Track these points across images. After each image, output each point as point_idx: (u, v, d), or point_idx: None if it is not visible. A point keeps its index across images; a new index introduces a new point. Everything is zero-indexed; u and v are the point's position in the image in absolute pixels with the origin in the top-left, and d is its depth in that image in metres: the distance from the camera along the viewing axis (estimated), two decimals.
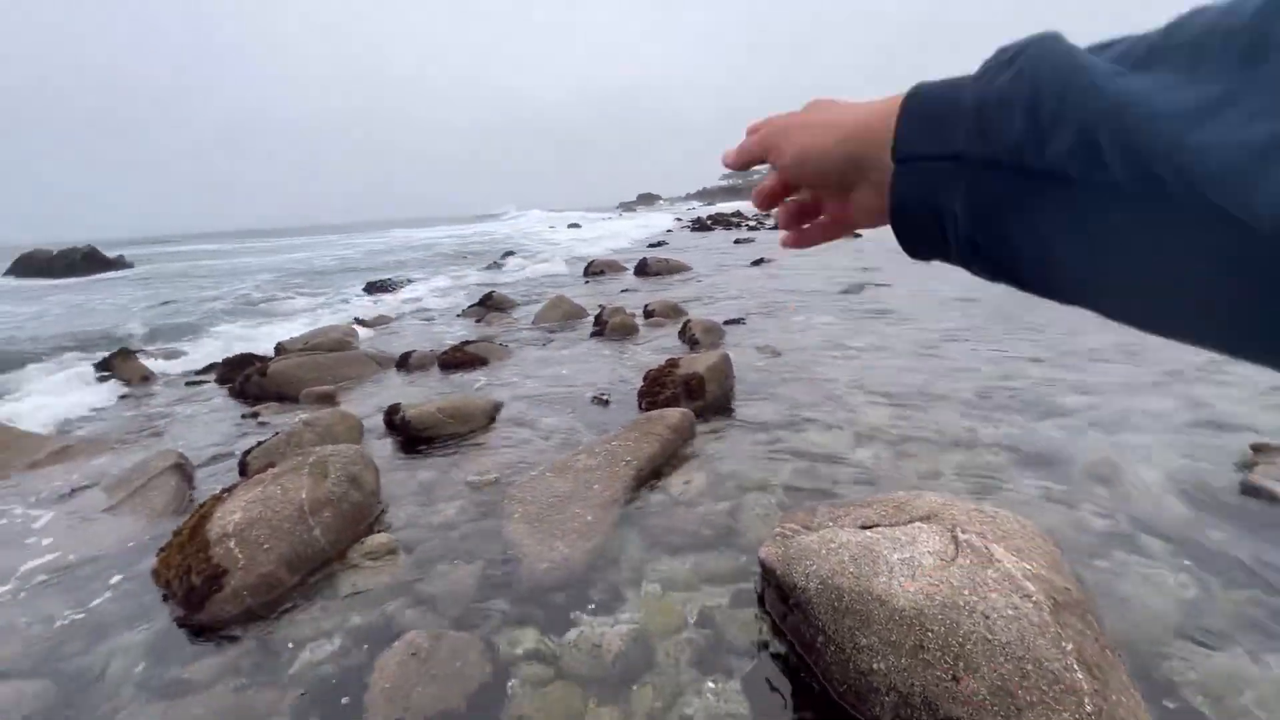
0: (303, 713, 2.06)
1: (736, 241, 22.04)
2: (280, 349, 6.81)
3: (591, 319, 8.32)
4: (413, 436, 4.32)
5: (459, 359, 6.40)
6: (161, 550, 2.75)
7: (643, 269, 14.01)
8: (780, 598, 2.15)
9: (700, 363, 4.91)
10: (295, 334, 8.20)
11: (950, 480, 3.35)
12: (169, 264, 31.36)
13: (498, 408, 4.82)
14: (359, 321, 9.11)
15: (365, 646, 2.34)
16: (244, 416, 5.19)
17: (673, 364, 5.01)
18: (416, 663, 2.17)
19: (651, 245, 22.94)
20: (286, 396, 5.61)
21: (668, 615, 2.43)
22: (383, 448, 4.20)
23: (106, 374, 6.53)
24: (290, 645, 2.36)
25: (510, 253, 21.85)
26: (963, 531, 1.89)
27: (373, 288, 13.45)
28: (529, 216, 75.84)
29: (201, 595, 2.44)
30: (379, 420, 4.67)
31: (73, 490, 3.74)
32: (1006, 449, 3.68)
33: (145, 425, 5.18)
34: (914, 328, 6.87)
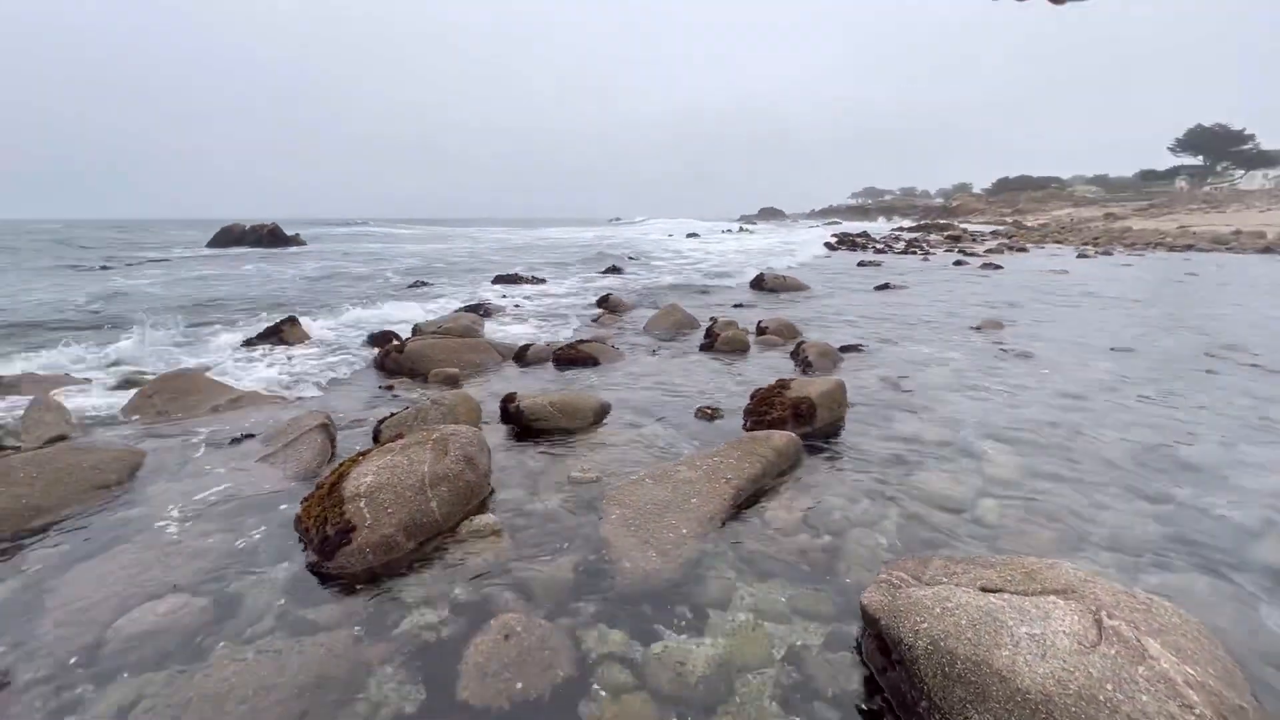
0: (405, 669, 2.22)
1: (861, 264, 21.08)
2: (417, 330, 7.43)
3: (703, 331, 8.30)
4: (525, 426, 4.53)
5: (573, 356, 6.64)
6: (304, 500, 3.09)
7: (759, 284, 13.79)
8: (881, 650, 2.02)
9: (813, 387, 4.74)
10: (432, 317, 8.92)
11: (1093, 552, 2.97)
12: (336, 244, 35.30)
13: (606, 408, 4.94)
14: (485, 312, 9.73)
15: (464, 619, 2.49)
16: (381, 388, 5.72)
17: (783, 385, 4.88)
18: (508, 645, 2.27)
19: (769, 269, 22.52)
20: (418, 373, 6.11)
21: (756, 646, 2.36)
22: (496, 433, 4.45)
23: (277, 337, 7.47)
24: (401, 606, 2.55)
25: (632, 257, 22.39)
26: (1109, 616, 1.66)
27: (501, 279, 14.33)
28: (651, 225, 77.32)
29: (333, 546, 2.72)
30: (496, 406, 4.96)
31: (242, 436, 4.31)
32: (1164, 523, 3.21)
33: (302, 385, 5.86)
34: (1058, 375, 6.19)
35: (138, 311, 10.50)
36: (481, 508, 3.33)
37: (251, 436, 4.35)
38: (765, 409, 4.63)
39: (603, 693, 2.15)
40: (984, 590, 2.03)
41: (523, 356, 6.78)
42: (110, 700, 2.05)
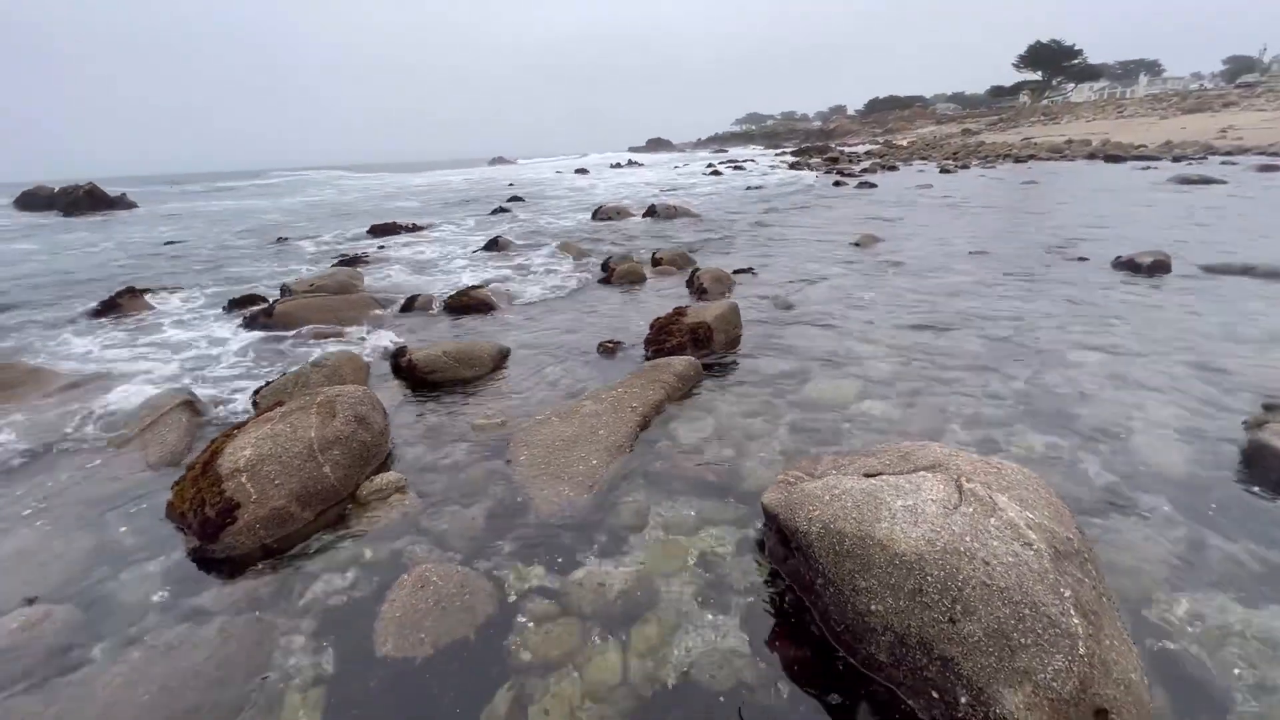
0: (317, 638, 2.13)
1: (749, 188, 21.53)
2: (286, 290, 6.78)
3: (599, 265, 8.21)
4: (420, 379, 4.33)
5: (465, 303, 6.37)
6: (176, 484, 2.81)
7: (651, 213, 13.75)
8: (781, 542, 2.18)
9: (708, 311, 4.86)
10: (301, 275, 8.15)
11: (957, 433, 3.35)
12: (170, 203, 30.95)
13: (505, 353, 4.81)
14: (364, 264, 9.03)
15: (376, 579, 2.41)
16: (252, 353, 5.21)
17: (680, 312, 4.97)
18: (426, 594, 2.23)
19: (665, 190, 22.44)
20: (292, 330, 5.62)
21: (671, 558, 2.48)
22: (390, 390, 4.23)
23: (114, 311, 6.54)
24: (303, 577, 2.43)
25: (518, 198, 21.45)
26: (967, 481, 1.89)
27: (378, 230, 13.28)
28: (537, 164, 74.22)
29: (216, 527, 2.51)
30: (385, 363, 4.69)
31: (85, 424, 3.80)
32: (1014, 403, 3.67)
33: (152, 361, 5.21)
34: (927, 281, 6.75)
35: None
36: (383, 467, 3.19)
37: (101, 421, 3.85)
38: (665, 337, 4.71)
39: (529, 624, 2.19)
40: (866, 476, 2.23)
41: (410, 308, 6.41)
42: None
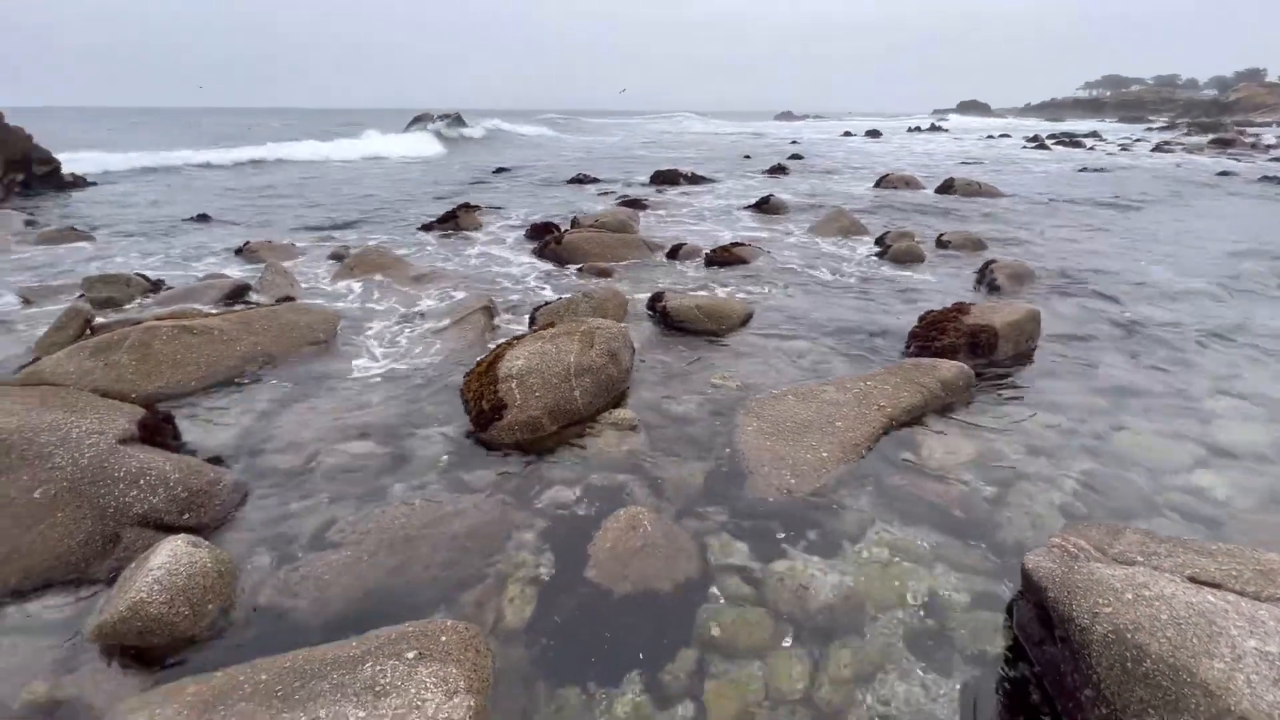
0: (543, 538, 2.40)
1: (1082, 170, 17.51)
2: (575, 223, 7.59)
3: (872, 240, 7.52)
4: (670, 325, 4.50)
5: (724, 258, 6.40)
6: (467, 374, 3.38)
7: (947, 188, 12.07)
8: (1041, 621, 1.77)
9: (998, 314, 4.11)
10: (588, 210, 9.04)
11: None
12: (499, 138, 36.79)
13: (751, 315, 4.73)
14: (642, 207, 9.62)
15: (596, 506, 2.61)
16: (541, 275, 5.98)
17: (961, 309, 4.29)
18: (636, 536, 2.35)
19: (964, 163, 19.53)
20: (573, 264, 6.29)
21: (888, 585, 2.21)
22: (641, 330, 4.47)
23: (451, 221, 8.06)
24: (542, 481, 2.74)
25: (798, 157, 20.68)
26: None
27: (659, 177, 14.03)
28: (824, 123, 70.45)
29: (488, 419, 2.96)
30: (644, 302, 4.98)
31: (418, 310, 4.79)
32: None
33: (470, 266, 6.32)
34: None
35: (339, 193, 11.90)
36: (620, 401, 3.41)
37: (424, 313, 4.82)
38: (935, 334, 4.12)
39: (721, 599, 2.16)
40: (1196, 582, 1.67)
41: (675, 254, 6.66)
42: (314, 519, 2.48)
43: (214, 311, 4.43)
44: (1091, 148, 27.45)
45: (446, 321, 4.43)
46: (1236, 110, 65.11)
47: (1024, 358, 4.08)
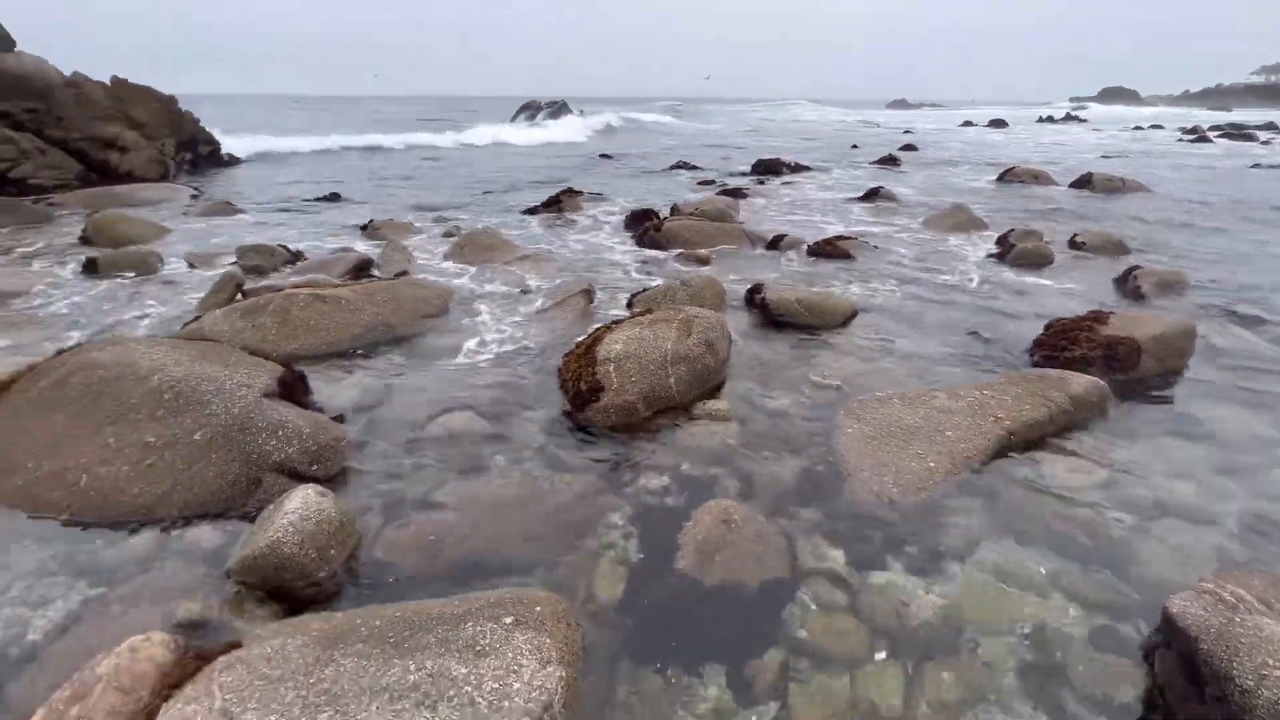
0: (634, 521, 2.43)
1: (1255, 166, 15.26)
2: (675, 210, 7.57)
3: (994, 239, 6.96)
4: (769, 318, 4.40)
5: (828, 250, 6.15)
6: (566, 355, 3.47)
7: (1084, 184, 10.93)
8: (1188, 675, 1.58)
9: (1141, 326, 3.68)
10: (688, 199, 8.99)
11: None
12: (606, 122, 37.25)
13: (855, 312, 4.52)
14: (741, 196, 9.44)
15: (686, 495, 2.61)
16: (639, 261, 6.03)
17: (1098, 317, 3.88)
18: (725, 530, 2.32)
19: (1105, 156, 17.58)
20: (671, 250, 6.29)
21: (996, 610, 2.05)
22: (738, 320, 4.40)
23: (555, 206, 8.29)
24: (634, 467, 2.77)
25: (911, 148, 19.48)
26: None
27: (761, 166, 13.69)
28: (941, 113, 65.91)
29: (584, 400, 3.02)
30: (741, 293, 4.89)
31: (523, 290, 4.97)
32: None
33: (571, 249, 6.48)
34: None
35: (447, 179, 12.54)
36: (715, 392, 3.38)
37: (529, 291, 4.99)
38: (1066, 344, 3.76)
39: (812, 605, 2.10)
40: None
41: (776, 244, 6.49)
42: (422, 483, 2.64)
43: (342, 283, 4.82)
44: (1267, 141, 23.89)
45: (548, 303, 4.57)
46: None
47: (1171, 377, 3.64)
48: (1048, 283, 5.48)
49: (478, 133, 21.96)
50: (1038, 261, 6.02)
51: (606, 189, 11.03)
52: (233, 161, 14.37)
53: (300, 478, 2.47)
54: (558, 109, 38.11)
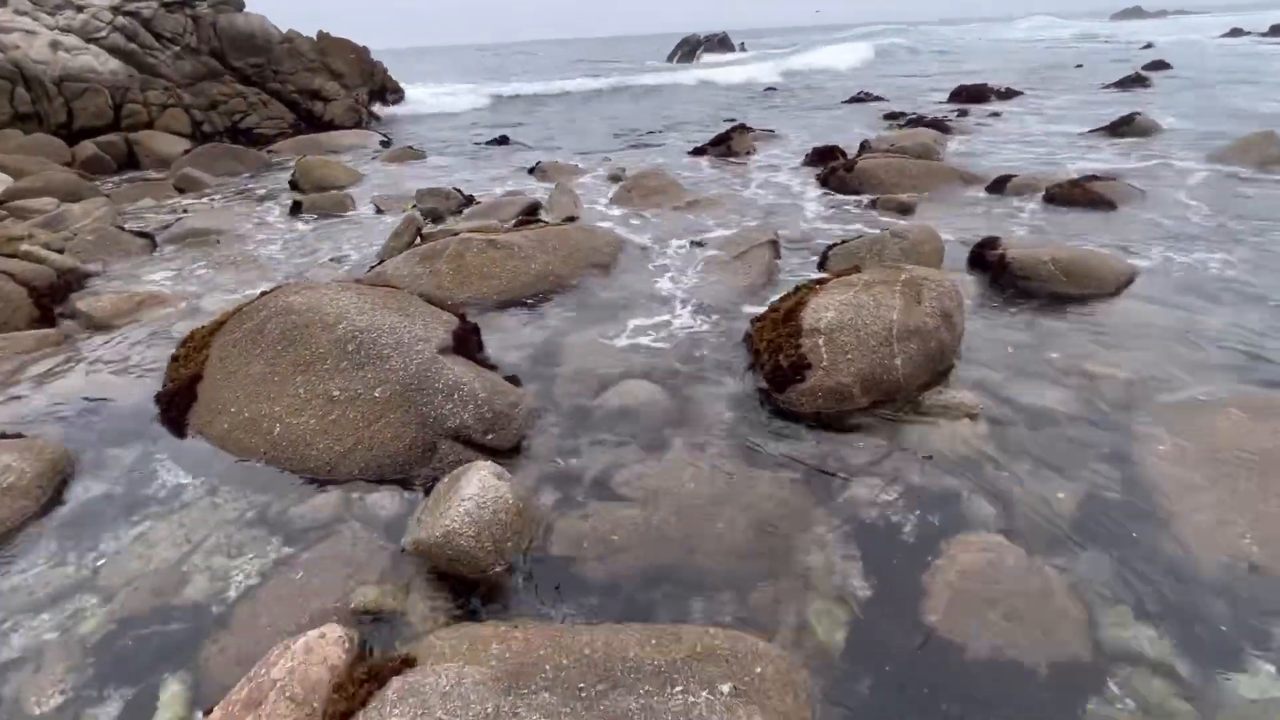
0: (854, 544, 1.91)
1: None
2: (865, 146, 6.53)
3: None
4: (1010, 282, 3.50)
5: (1076, 195, 4.88)
6: (757, 321, 2.95)
7: None
8: None
9: None
10: (881, 134, 7.79)
11: None
12: (778, 49, 34.72)
13: (1133, 277, 3.45)
14: (945, 129, 7.99)
15: (924, 518, 2.02)
16: (827, 206, 5.23)
17: None
18: (993, 577, 1.72)
19: None
20: (865, 194, 5.40)
21: None
22: (965, 285, 3.53)
23: (724, 144, 7.58)
24: (847, 468, 2.23)
25: (1162, 64, 15.57)
26: None
27: (963, 94, 11.64)
28: (1191, 19, 52.77)
29: (785, 379, 2.50)
30: (962, 251, 3.98)
31: (699, 240, 4.47)
32: None
33: (746, 192, 5.82)
34: None
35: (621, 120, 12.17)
36: (945, 377, 2.67)
37: (702, 243, 4.48)
38: None
39: (1127, 700, 1.47)
40: None
41: (1000, 188, 5.30)
42: (600, 461, 2.32)
43: (512, 228, 4.66)
44: None
45: (727, 255, 4.03)
46: None
47: None
48: None
49: (641, 75, 21.35)
50: None
51: (778, 125, 10.01)
52: (414, 108, 15.24)
53: (475, 446, 2.26)
54: (717, 42, 36.09)
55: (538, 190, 6.25)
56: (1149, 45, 23.92)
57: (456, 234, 4.09)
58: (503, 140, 9.48)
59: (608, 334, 3.20)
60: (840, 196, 5.49)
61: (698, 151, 7.70)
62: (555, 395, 2.73)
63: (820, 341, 2.51)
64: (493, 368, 2.86)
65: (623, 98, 15.79)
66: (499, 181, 6.81)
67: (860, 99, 12.56)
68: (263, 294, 2.97)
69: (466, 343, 2.85)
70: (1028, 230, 4.43)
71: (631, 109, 13.87)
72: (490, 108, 14.86)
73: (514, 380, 2.75)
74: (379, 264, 4.05)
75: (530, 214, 5.28)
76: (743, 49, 36.03)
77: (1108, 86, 12.37)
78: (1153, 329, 3.00)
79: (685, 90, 16.27)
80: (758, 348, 2.78)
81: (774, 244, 4.02)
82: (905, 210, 4.93)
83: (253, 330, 2.68)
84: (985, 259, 3.66)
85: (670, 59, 35.97)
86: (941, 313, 2.64)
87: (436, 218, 5.39)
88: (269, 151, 9.51)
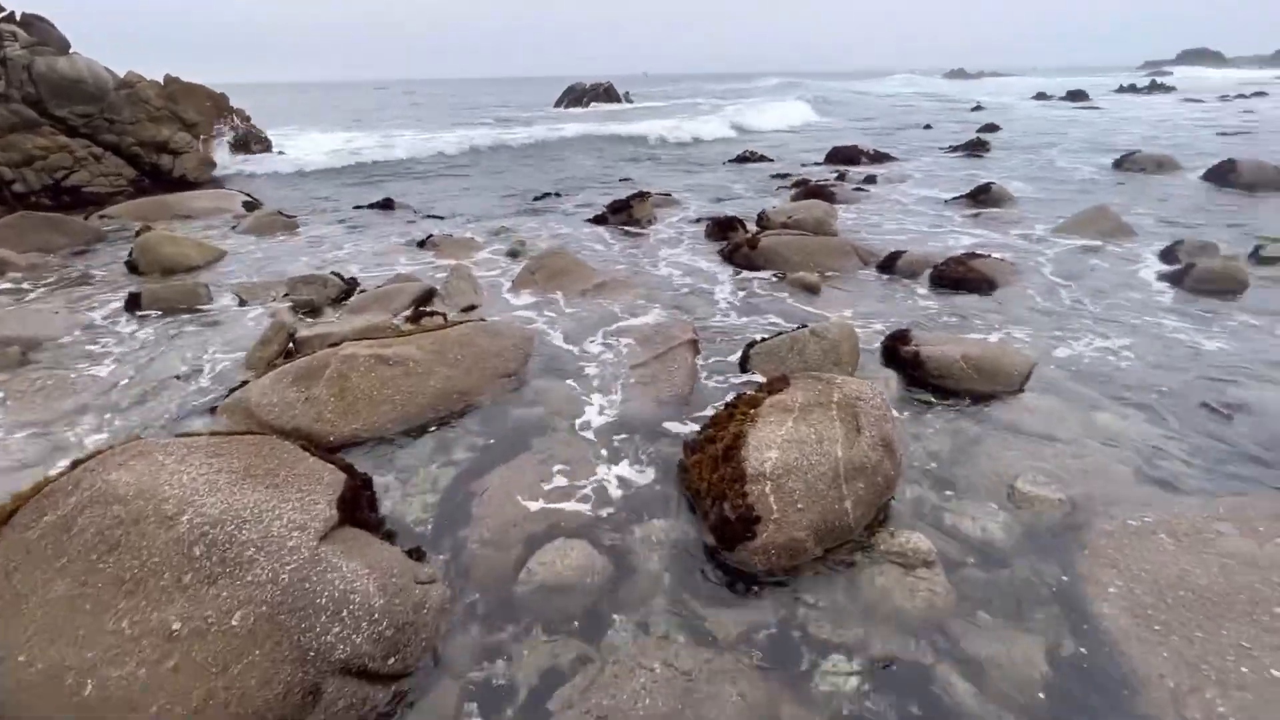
0: None
1: None
2: (763, 219, 6.68)
3: (1153, 251, 5.84)
4: (920, 380, 3.54)
5: (961, 274, 5.18)
6: (692, 452, 2.71)
7: (1225, 176, 9.45)
8: None
9: None
10: (774, 205, 8.06)
11: None
12: (653, 101, 36.13)
13: (1031, 369, 3.61)
14: (825, 193, 8.43)
15: (894, 694, 1.84)
16: (735, 288, 5.19)
17: None
18: None
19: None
20: (768, 270, 5.45)
21: None
22: (886, 384, 3.54)
23: (624, 212, 7.49)
24: (812, 642, 2.01)
25: (993, 127, 17.81)
26: None
27: (837, 155, 12.53)
28: (1002, 82, 62.00)
29: (734, 535, 2.26)
30: (872, 335, 4.04)
31: (612, 335, 4.22)
32: None
33: (652, 272, 5.69)
34: None
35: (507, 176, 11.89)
36: (887, 510, 2.56)
37: (616, 334, 4.24)
38: None
39: None
40: None
41: (891, 266, 5.55)
42: (530, 665, 1.94)
43: (406, 327, 4.18)
44: None
45: (645, 355, 3.81)
46: None
47: None
48: (1257, 322, 4.39)
49: (530, 126, 21.24)
50: (1226, 286, 4.92)
51: (672, 185, 10.17)
52: (284, 161, 14.04)
53: (373, 678, 1.80)
54: (602, 91, 37.04)
55: (430, 269, 5.76)
56: (978, 107, 27.45)
57: (337, 344, 3.56)
58: (386, 204, 8.83)
59: (525, 473, 2.82)
60: (747, 274, 5.50)
61: (598, 220, 7.55)
62: (471, 569, 2.31)
63: (768, 489, 2.31)
64: (391, 535, 2.39)
65: (512, 151, 15.53)
66: (385, 259, 6.23)
67: (745, 158, 13.15)
68: (75, 465, 2.32)
69: (356, 507, 2.37)
70: (924, 315, 4.60)
71: (522, 164, 13.63)
72: (371, 161, 14.00)
73: (418, 554, 2.31)
74: (241, 386, 3.42)
75: (424, 303, 4.80)
76: (628, 99, 37.22)
77: (955, 150, 13.85)
78: (1060, 428, 3.11)
79: (575, 144, 16.31)
80: (697, 489, 2.54)
81: (694, 343, 3.86)
82: (812, 290, 5.00)
83: (56, 527, 2.04)
84: (900, 355, 3.69)
85: (558, 105, 36.42)
86: (883, 442, 2.54)
87: (313, 310, 4.75)
88: (102, 217, 8.19)
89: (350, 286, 5.15)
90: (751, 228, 6.65)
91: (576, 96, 36.94)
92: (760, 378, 3.55)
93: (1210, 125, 18.64)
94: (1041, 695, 1.85)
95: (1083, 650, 1.96)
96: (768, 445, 2.45)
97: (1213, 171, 9.75)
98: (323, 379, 3.24)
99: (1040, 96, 35.34)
